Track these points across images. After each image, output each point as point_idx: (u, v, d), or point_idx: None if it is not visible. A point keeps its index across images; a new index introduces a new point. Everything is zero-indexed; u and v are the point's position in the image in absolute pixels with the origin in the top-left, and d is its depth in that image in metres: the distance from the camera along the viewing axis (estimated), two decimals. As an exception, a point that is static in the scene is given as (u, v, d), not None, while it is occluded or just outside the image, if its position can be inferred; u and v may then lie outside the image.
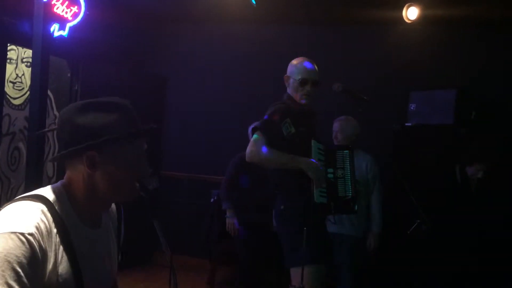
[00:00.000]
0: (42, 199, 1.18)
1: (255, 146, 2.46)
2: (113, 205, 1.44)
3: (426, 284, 3.45)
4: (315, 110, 2.82)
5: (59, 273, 1.14)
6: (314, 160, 2.46)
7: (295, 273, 2.53)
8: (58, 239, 1.15)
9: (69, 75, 4.40)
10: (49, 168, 4.57)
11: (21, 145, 4.73)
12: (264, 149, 2.44)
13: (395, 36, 4.35)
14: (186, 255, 4.71)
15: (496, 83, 4.00)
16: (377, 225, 3.49)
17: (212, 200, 4.28)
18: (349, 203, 2.58)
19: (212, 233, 4.21)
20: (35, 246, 1.08)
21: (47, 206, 1.16)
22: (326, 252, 2.59)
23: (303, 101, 2.61)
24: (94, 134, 1.18)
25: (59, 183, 1.26)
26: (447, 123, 3.79)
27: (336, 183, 2.53)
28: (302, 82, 2.60)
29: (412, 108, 4.00)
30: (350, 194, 2.53)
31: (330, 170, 2.53)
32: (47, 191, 1.21)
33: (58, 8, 3.81)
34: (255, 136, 2.49)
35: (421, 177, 3.63)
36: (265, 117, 2.56)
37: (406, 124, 3.98)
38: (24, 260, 1.05)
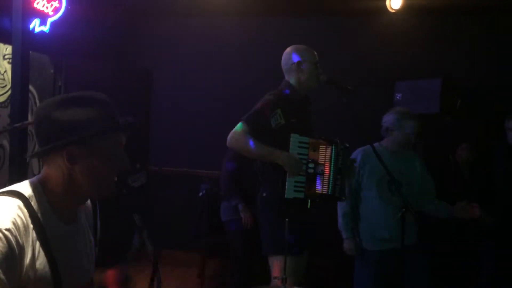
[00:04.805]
0: (18, 194, 1.17)
1: (236, 133, 2.47)
2: (88, 201, 1.43)
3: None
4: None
5: (36, 268, 1.14)
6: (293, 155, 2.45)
7: (274, 262, 2.55)
8: (34, 234, 1.15)
9: (52, 71, 4.34)
10: (35, 165, 4.52)
11: (6, 143, 4.67)
12: (243, 138, 2.44)
13: (379, 26, 4.35)
14: (175, 249, 4.70)
15: (481, 70, 4.03)
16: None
17: (200, 194, 4.27)
18: (328, 201, 2.57)
19: (201, 227, 4.20)
20: (12, 242, 1.08)
21: (23, 202, 1.16)
22: (305, 243, 2.59)
23: (323, 78, 2.65)
24: (74, 129, 1.18)
25: (35, 178, 1.25)
26: (433, 112, 3.81)
27: (315, 178, 2.49)
28: (317, 64, 2.66)
29: (398, 97, 4.02)
30: (329, 192, 2.49)
31: (311, 165, 2.49)
32: (23, 187, 1.21)
33: (39, 3, 3.75)
34: (239, 124, 2.49)
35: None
36: (255, 108, 2.55)
37: (392, 113, 3.99)
38: (0, 256, 1.05)
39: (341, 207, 2.92)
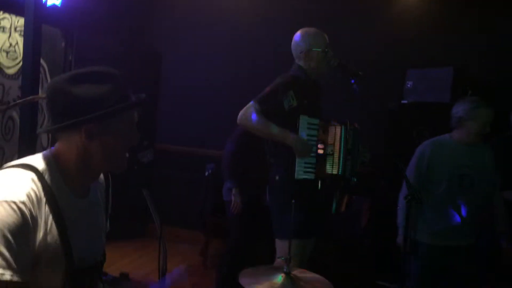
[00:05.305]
0: (31, 168, 1.18)
1: (247, 111, 2.49)
2: (101, 176, 1.45)
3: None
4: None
5: (48, 241, 1.15)
6: (303, 136, 2.47)
7: (280, 244, 2.57)
8: (48, 208, 1.16)
9: (63, 45, 4.34)
10: (44, 138, 4.55)
11: (15, 115, 4.70)
12: (254, 116, 2.45)
13: (393, 12, 4.30)
14: (179, 227, 4.76)
15: (493, 61, 3.98)
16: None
17: (206, 173, 4.29)
18: (339, 181, 2.56)
19: (206, 206, 4.24)
20: (26, 214, 1.09)
21: (36, 175, 1.17)
22: (314, 227, 2.61)
23: (334, 63, 2.62)
24: (91, 107, 1.18)
25: (48, 152, 1.26)
26: (443, 101, 3.78)
27: (325, 159, 2.50)
28: (327, 51, 2.62)
29: (408, 85, 3.98)
30: (338, 172, 2.50)
31: (321, 146, 2.50)
32: (36, 160, 1.22)
33: (51, -25, 3.73)
34: (250, 102, 2.50)
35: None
36: (267, 89, 2.55)
37: (403, 101, 3.97)
38: (15, 228, 1.07)
39: (401, 206, 2.77)
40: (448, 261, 2.69)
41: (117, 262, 4.09)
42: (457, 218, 2.68)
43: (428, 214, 2.75)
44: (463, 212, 2.67)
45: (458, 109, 2.72)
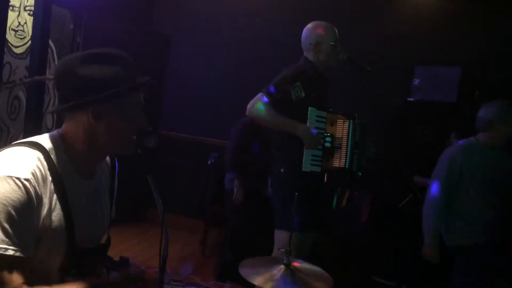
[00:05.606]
0: (38, 146, 1.19)
1: (256, 102, 2.48)
2: (107, 159, 1.45)
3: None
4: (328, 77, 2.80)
5: (52, 220, 1.16)
6: (311, 129, 2.47)
7: (280, 236, 2.58)
8: (52, 187, 1.17)
9: (71, 26, 4.32)
10: (49, 119, 4.56)
11: (21, 95, 4.71)
12: (263, 107, 2.45)
13: (403, 9, 4.26)
14: (180, 215, 4.77)
15: (502, 62, 3.95)
16: None
17: (209, 162, 4.30)
18: (345, 175, 2.56)
19: (207, 195, 4.25)
20: (30, 192, 1.10)
21: (43, 154, 1.18)
22: (316, 221, 2.62)
23: (343, 57, 2.62)
24: (99, 87, 1.19)
25: (55, 132, 1.27)
26: (450, 101, 3.77)
27: (332, 152, 2.51)
28: (336, 45, 2.61)
29: (415, 83, 3.97)
30: (346, 166, 2.50)
31: (329, 139, 2.51)
32: (43, 139, 1.23)
33: (63, -44, 3.70)
34: (259, 94, 2.50)
35: (419, 152, 3.64)
36: (274, 80, 2.55)
37: (409, 98, 3.96)
38: (19, 204, 1.08)
39: (432, 213, 2.67)
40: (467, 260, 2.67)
41: (116, 247, 4.12)
42: (486, 221, 2.63)
43: (457, 218, 2.69)
44: (492, 215, 2.62)
45: (487, 112, 2.64)
